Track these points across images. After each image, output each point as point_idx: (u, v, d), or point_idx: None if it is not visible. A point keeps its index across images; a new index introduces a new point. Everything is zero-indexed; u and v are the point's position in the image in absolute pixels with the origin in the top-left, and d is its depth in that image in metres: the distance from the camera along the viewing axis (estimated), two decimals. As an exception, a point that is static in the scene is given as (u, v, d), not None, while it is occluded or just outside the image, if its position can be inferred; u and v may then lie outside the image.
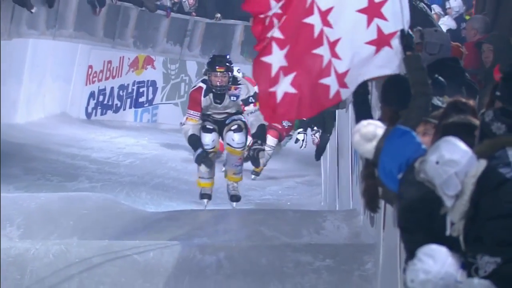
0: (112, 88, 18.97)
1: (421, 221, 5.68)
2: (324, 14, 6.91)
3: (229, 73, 11.65)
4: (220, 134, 11.89)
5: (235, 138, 11.76)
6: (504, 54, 8.06)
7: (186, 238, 10.06)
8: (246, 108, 11.69)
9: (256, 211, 11.90)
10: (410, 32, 7.41)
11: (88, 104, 18.60)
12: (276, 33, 7.04)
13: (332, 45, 6.94)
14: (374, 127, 6.28)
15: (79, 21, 18.03)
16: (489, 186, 5.33)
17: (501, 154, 5.47)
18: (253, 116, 11.60)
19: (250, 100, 11.66)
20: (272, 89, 6.86)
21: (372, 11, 6.95)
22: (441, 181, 5.37)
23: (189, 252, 9.46)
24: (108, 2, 18.18)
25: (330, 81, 6.90)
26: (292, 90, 6.85)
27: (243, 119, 11.86)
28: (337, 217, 10.96)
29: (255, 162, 11.88)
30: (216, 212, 11.89)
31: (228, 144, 11.90)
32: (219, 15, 19.30)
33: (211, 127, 11.80)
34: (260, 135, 11.69)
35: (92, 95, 18.70)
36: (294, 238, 10.47)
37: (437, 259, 5.16)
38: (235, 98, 11.71)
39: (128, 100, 19.18)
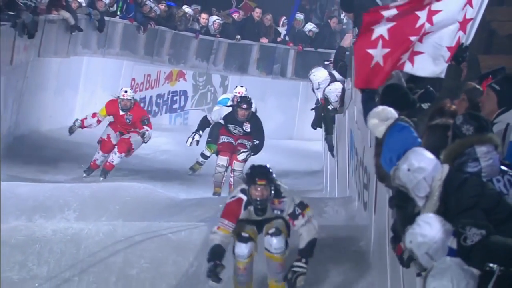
0: (151, 97, 18.96)
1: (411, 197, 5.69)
2: (431, 14, 7.10)
3: (271, 185, 8.44)
4: (259, 231, 8.70)
5: (273, 243, 8.52)
6: (473, 69, 7.98)
7: (211, 220, 9.99)
8: (296, 222, 8.44)
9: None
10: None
11: (131, 110, 18.57)
12: (385, 33, 7.17)
13: (423, 34, 7.18)
14: (389, 110, 6.52)
15: (124, 42, 18.11)
16: (453, 186, 5.41)
17: (470, 151, 5.58)
18: (304, 229, 8.45)
19: (297, 212, 8.49)
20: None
21: (463, 25, 7.10)
22: (412, 185, 5.46)
23: (214, 232, 9.41)
24: (148, 26, 18.24)
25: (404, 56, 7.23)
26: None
27: (283, 217, 8.61)
28: (336, 203, 10.92)
29: (291, 286, 8.42)
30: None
31: (266, 249, 8.61)
32: (239, 36, 19.32)
33: (247, 236, 8.55)
34: (309, 252, 8.42)
35: (134, 102, 18.68)
36: (300, 220, 10.41)
37: (433, 226, 5.15)
38: (279, 212, 8.54)
39: (164, 107, 19.17)
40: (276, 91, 19.38)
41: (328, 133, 12.70)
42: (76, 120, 13.87)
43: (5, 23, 14.18)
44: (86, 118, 13.73)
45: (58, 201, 10.74)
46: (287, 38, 19.67)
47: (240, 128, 13.26)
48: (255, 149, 13.19)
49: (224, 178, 13.18)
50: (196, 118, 18.87)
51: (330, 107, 12.26)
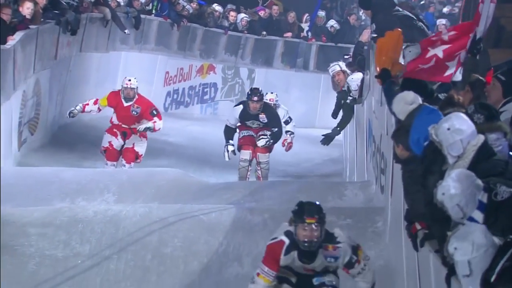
0: (183, 89, 18.96)
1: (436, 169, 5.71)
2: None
3: (323, 226, 6.83)
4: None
5: None
6: (484, 62, 7.93)
7: (240, 202, 10.00)
8: (351, 271, 6.93)
9: (293, 182, 11.80)
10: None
11: (165, 101, 18.61)
12: (440, 53, 7.38)
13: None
14: (414, 95, 6.60)
15: (159, 38, 18.12)
16: (485, 155, 5.48)
17: None
18: (361, 277, 7.02)
19: (353, 260, 6.97)
20: None
21: (476, 19, 7.28)
22: (447, 144, 5.52)
23: (242, 213, 9.40)
24: (181, 24, 18.25)
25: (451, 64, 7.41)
26: None
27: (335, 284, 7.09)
28: (355, 187, 10.88)
29: None
30: (262, 183, 11.83)
31: None
32: (264, 32, 19.27)
33: None
34: None
35: (168, 94, 18.71)
36: (322, 203, 10.29)
37: (465, 179, 5.11)
38: (332, 260, 6.93)
39: (195, 98, 19.18)
40: (299, 83, 19.35)
41: (339, 126, 12.54)
42: (77, 105, 12.50)
43: (50, 21, 14.25)
44: (87, 104, 12.39)
45: (98, 185, 10.75)
46: (309, 34, 19.61)
47: (257, 121, 12.48)
48: (275, 137, 12.44)
49: (249, 173, 12.42)
50: (224, 108, 18.94)
51: (349, 98, 12.19)
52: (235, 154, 12.34)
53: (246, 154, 12.40)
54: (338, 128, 12.46)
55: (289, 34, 19.33)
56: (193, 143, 15.81)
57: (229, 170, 13.44)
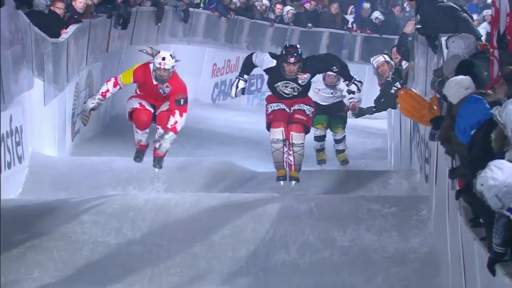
0: (230, 80, 18.92)
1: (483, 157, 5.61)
2: None
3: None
4: None
5: None
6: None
7: (286, 191, 9.99)
8: None
9: (338, 171, 11.76)
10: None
11: (213, 92, 18.66)
12: None
13: None
14: (470, 80, 6.56)
15: (207, 31, 18.17)
16: None
17: None
18: None
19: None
20: None
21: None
22: None
23: (289, 202, 9.40)
24: (228, 16, 18.29)
25: None
26: None
27: None
28: (400, 176, 10.83)
29: None
30: (309, 172, 11.81)
31: None
32: (310, 24, 19.22)
33: None
34: None
35: (216, 85, 18.75)
36: (367, 191, 10.37)
37: (504, 171, 5.09)
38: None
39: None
40: (345, 74, 19.24)
41: (377, 108, 12.39)
42: (96, 95, 9.92)
43: (102, 14, 14.37)
44: (108, 90, 9.78)
45: (149, 174, 10.82)
46: (354, 25, 19.53)
47: (294, 83, 9.54)
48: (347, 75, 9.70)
49: (285, 156, 9.65)
50: (271, 99, 18.98)
51: (393, 90, 12.12)
52: (243, 93, 9.76)
53: (277, 132, 9.52)
54: (374, 109, 12.31)
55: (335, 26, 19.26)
56: (240, 133, 15.83)
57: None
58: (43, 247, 8.60)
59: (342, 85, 11.06)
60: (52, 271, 8.30)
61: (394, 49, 12.38)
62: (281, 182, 9.79)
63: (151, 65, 9.56)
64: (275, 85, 9.56)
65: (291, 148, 9.49)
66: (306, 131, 9.60)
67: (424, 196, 9.46)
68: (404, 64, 11.98)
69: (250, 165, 12.54)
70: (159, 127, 9.66)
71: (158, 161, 9.94)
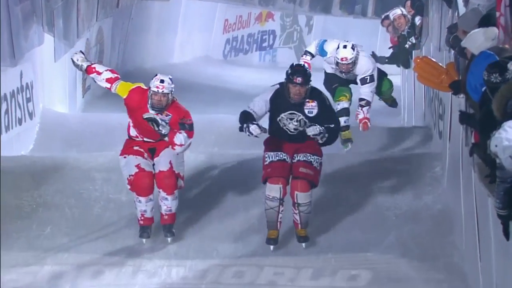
0: (242, 36, 18.91)
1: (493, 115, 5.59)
2: None
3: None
4: None
5: None
6: None
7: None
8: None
9: (353, 129, 11.72)
10: None
11: (224, 48, 18.60)
12: None
13: None
14: (496, 31, 6.44)
15: (221, -14, 18.03)
16: None
17: None
18: None
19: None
20: None
21: None
22: None
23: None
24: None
25: None
26: None
27: None
28: (413, 132, 10.82)
29: None
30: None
31: None
32: (322, -21, 19.07)
33: None
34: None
35: (227, 41, 18.68)
36: (381, 150, 10.35)
37: None
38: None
39: (254, 45, 19.12)
40: (358, 30, 19.12)
41: (406, 67, 12.44)
42: (82, 57, 8.41)
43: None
44: (96, 71, 8.29)
45: (160, 132, 10.80)
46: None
47: (300, 114, 7.84)
48: (331, 132, 7.84)
49: (280, 216, 7.94)
50: (283, 56, 18.90)
51: (407, 44, 12.04)
52: (264, 130, 7.91)
53: (275, 190, 7.87)
54: (386, 60, 12.22)
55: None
56: (252, 90, 15.75)
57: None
58: (55, 204, 8.64)
59: (358, 71, 9.90)
60: (64, 228, 8.34)
61: (408, 3, 12.26)
62: (271, 247, 7.93)
63: (148, 93, 8.00)
64: (278, 119, 7.86)
65: (296, 208, 7.89)
66: (313, 186, 7.90)
67: (437, 153, 9.44)
68: (418, 19, 11.89)
69: (262, 123, 12.50)
70: (161, 190, 8.05)
71: (169, 228, 8.13)
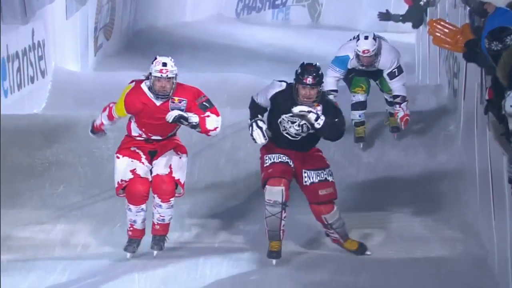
0: (255, -6, 18.83)
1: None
2: None
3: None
4: None
5: None
6: None
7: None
8: None
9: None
10: None
11: (237, 6, 18.50)
12: None
13: None
14: None
15: None
16: None
17: None
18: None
19: None
20: None
21: None
22: None
23: (314, 117, 9.36)
24: None
25: None
26: None
27: None
28: (427, 91, 10.76)
29: None
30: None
31: None
32: None
33: None
34: None
35: (240, -1, 18.61)
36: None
37: None
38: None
39: (267, 3, 19.00)
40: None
41: (416, 27, 12.31)
42: (96, 130, 7.50)
43: None
44: (102, 123, 7.36)
45: (172, 90, 10.78)
46: None
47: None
48: (332, 126, 6.79)
49: (283, 223, 6.86)
50: (296, 14, 18.78)
51: (422, 1, 11.93)
52: (270, 135, 6.95)
53: (276, 193, 6.85)
54: (400, 18, 12.11)
55: None
56: (265, 48, 15.73)
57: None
58: (68, 163, 8.67)
59: (382, 65, 8.69)
60: (77, 186, 8.37)
61: None
62: (273, 261, 6.89)
63: (143, 85, 6.95)
64: (279, 120, 6.87)
65: (330, 228, 7.01)
66: (335, 197, 7.00)
67: (452, 111, 9.39)
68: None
69: (274, 81, 12.47)
70: (156, 196, 7.05)
71: (158, 240, 7.11)
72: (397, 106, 8.69)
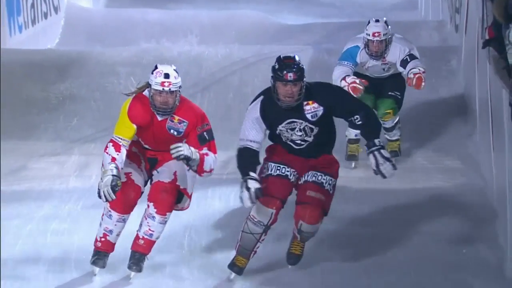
0: None
1: None
2: None
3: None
4: None
5: None
6: None
7: (317, 43, 9.93)
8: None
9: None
10: None
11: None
12: None
13: None
14: None
15: None
16: None
17: None
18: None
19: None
20: None
21: None
22: None
23: (319, 54, 9.38)
24: None
25: None
26: None
27: None
28: (430, 26, 10.73)
29: None
30: (339, 24, 11.64)
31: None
32: None
33: None
34: None
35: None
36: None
37: None
38: None
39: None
40: None
41: None
42: (111, 173, 5.57)
43: None
44: (115, 158, 5.63)
45: (182, 27, 10.81)
46: None
47: (302, 121, 5.71)
48: (373, 124, 5.76)
49: (258, 246, 5.83)
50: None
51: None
52: (262, 194, 5.63)
53: (264, 213, 5.79)
54: None
55: None
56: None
57: (308, 9, 13.27)
58: (81, 97, 8.72)
59: (392, 57, 7.54)
60: (90, 120, 8.43)
61: None
62: (232, 274, 5.84)
63: (150, 96, 5.70)
64: (278, 132, 5.77)
65: (297, 233, 5.85)
66: (324, 214, 5.83)
67: (453, 46, 9.37)
68: None
69: (281, 18, 12.42)
70: (151, 204, 5.77)
71: (138, 260, 5.79)
72: (416, 68, 7.35)
